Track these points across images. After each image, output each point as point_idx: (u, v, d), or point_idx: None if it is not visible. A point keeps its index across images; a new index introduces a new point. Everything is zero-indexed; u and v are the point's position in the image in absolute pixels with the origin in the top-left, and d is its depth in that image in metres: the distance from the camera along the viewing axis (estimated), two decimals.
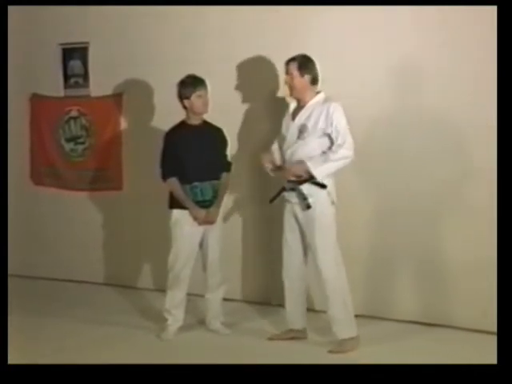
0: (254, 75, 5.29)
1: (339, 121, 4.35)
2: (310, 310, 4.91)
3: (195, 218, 4.76)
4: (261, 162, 4.64)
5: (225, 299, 5.07)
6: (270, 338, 4.75)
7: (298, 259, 4.61)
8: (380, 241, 5.15)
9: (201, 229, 4.81)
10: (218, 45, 5.58)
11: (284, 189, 4.53)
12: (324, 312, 4.63)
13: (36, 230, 6.70)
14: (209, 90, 4.82)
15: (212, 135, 4.85)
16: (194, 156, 4.75)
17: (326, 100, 4.43)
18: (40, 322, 5.27)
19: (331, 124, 4.35)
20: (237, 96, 5.49)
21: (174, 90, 4.84)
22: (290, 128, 4.50)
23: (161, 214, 5.11)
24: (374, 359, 4.19)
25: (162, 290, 5.17)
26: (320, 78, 4.51)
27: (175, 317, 4.89)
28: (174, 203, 4.82)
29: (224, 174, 4.87)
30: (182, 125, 4.87)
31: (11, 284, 6.22)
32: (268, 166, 4.61)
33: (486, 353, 4.06)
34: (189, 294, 4.99)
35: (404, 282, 5.09)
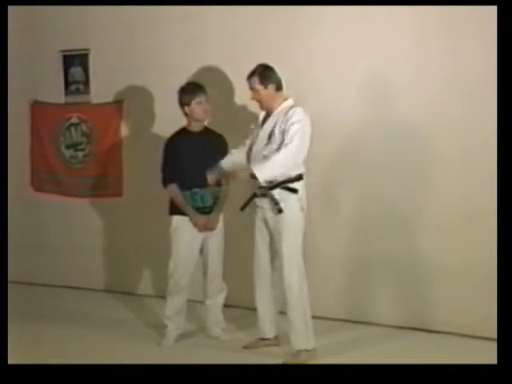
0: None
1: (293, 122, 4.31)
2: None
3: (195, 225, 4.76)
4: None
5: (225, 305, 5.06)
6: (245, 347, 4.73)
7: (266, 265, 4.60)
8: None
9: (201, 235, 4.81)
10: (219, 50, 5.58)
11: (255, 195, 4.52)
12: None
13: (36, 236, 6.69)
14: (209, 96, 4.83)
15: (213, 142, 4.85)
16: (194, 162, 4.75)
17: (293, 106, 4.42)
18: (39, 329, 5.26)
19: (286, 127, 4.32)
20: (238, 100, 5.50)
21: (175, 97, 4.84)
22: (260, 135, 4.49)
23: (161, 221, 5.10)
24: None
25: (162, 296, 5.17)
26: (283, 81, 4.49)
27: (175, 323, 4.89)
28: (174, 209, 4.82)
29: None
30: (183, 131, 4.87)
31: (11, 291, 6.24)
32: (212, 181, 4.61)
33: (477, 357, 4.07)
34: (189, 301, 4.99)
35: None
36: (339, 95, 5.15)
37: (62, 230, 6.54)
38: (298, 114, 4.34)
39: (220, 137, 4.93)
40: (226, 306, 5.08)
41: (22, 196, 6.64)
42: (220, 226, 4.88)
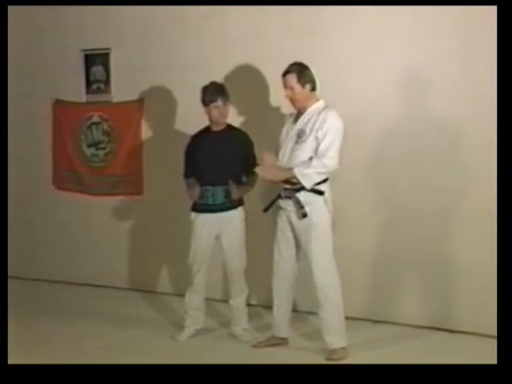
0: (276, 79, 5.28)
1: (331, 128, 4.32)
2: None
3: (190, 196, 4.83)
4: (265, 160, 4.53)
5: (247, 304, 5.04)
6: (255, 346, 4.71)
7: (290, 267, 4.58)
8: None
9: (214, 231, 4.83)
10: (240, 49, 5.57)
11: (279, 196, 4.50)
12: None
13: (59, 234, 6.71)
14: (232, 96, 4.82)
15: (233, 140, 4.85)
16: (209, 161, 4.79)
17: (326, 107, 4.42)
18: (59, 326, 5.26)
19: (322, 129, 4.32)
20: (260, 100, 5.49)
21: (196, 95, 4.85)
22: (290, 133, 4.49)
23: (181, 219, 5.11)
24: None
25: (183, 295, 5.15)
26: (317, 82, 4.48)
27: (193, 319, 4.92)
28: (193, 205, 4.88)
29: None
30: (205, 130, 4.93)
31: (33, 288, 6.35)
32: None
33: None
34: (211, 300, 4.97)
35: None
36: (364, 94, 5.11)
37: (84, 229, 6.56)
38: (337, 118, 4.35)
39: (243, 135, 4.93)
40: (247, 304, 5.04)
41: (45, 194, 6.67)
42: (238, 225, 4.86)
